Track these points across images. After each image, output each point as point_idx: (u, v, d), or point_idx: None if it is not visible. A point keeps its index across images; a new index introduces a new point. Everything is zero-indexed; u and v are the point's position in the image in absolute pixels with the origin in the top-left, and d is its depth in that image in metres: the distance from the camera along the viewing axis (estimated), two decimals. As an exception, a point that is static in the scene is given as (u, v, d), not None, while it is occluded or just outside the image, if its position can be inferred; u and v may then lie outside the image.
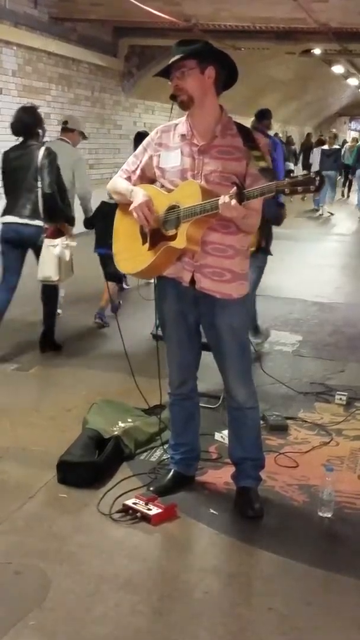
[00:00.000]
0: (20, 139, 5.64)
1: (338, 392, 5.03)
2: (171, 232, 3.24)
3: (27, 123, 5.60)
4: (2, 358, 5.67)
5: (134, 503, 3.42)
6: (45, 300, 5.89)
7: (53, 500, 3.54)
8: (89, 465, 3.72)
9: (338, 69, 19.27)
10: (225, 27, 11.67)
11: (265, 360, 5.68)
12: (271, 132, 9.46)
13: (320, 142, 19.82)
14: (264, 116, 9.41)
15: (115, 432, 4.04)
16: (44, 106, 11.31)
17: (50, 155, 5.51)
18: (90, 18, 11.51)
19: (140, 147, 3.47)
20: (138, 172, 3.45)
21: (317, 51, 14.68)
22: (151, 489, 3.60)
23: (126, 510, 3.40)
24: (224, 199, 3.01)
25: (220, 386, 4.33)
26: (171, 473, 3.68)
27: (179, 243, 3.20)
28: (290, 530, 3.38)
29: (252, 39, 12.73)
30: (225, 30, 11.89)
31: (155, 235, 3.32)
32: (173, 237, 3.23)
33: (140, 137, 6.64)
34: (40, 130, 5.66)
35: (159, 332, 4.09)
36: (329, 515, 3.47)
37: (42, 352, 5.82)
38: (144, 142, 3.46)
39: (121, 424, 4.18)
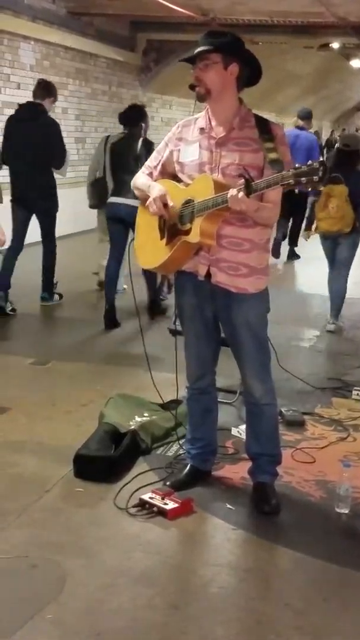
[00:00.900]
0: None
1: (355, 388, 5.01)
2: (186, 227, 3.24)
3: (131, 117, 6.68)
4: (18, 352, 5.69)
5: (151, 497, 3.42)
6: (147, 274, 6.54)
7: (69, 494, 3.55)
8: (105, 460, 3.73)
9: (356, 63, 19.13)
10: (243, 21, 11.64)
11: (282, 355, 5.66)
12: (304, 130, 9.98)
13: None
14: (307, 116, 9.87)
15: (132, 427, 4.04)
16: (62, 101, 11.33)
17: (147, 144, 6.34)
18: (108, 12, 11.50)
19: (162, 143, 3.47)
20: (159, 167, 3.45)
21: (335, 45, 14.58)
22: (167, 483, 3.60)
23: (142, 504, 3.40)
24: (232, 192, 2.99)
25: (237, 381, 4.33)
26: (187, 468, 3.68)
27: (193, 237, 3.19)
28: (307, 526, 3.37)
29: (269, 33, 12.69)
30: (243, 25, 11.85)
31: (172, 230, 3.32)
32: (188, 232, 3.23)
33: None
34: (143, 124, 6.68)
35: (177, 327, 4.09)
36: (346, 511, 3.45)
37: (151, 319, 6.64)
38: (166, 137, 3.45)
39: (138, 419, 4.18)
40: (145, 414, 4.27)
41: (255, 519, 3.41)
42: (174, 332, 4.88)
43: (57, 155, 6.97)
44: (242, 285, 3.29)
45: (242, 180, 2.97)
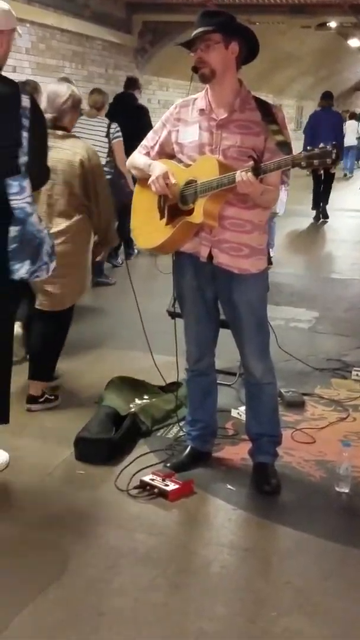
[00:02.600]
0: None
1: (354, 368, 5.02)
2: (188, 207, 3.23)
3: None
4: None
5: (151, 479, 3.43)
6: None
7: (70, 477, 3.57)
8: (105, 442, 3.74)
9: (354, 42, 19.01)
10: (240, 1, 11.54)
11: (282, 337, 5.67)
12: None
13: (353, 116, 21.26)
14: (330, 96, 12.22)
15: (132, 409, 4.05)
16: (58, 84, 11.29)
17: None
18: (103, -6, 11.42)
19: (159, 123, 3.46)
20: (157, 147, 3.44)
21: (332, 24, 14.48)
22: (168, 465, 3.62)
23: (143, 486, 3.41)
24: (240, 175, 2.99)
25: (236, 363, 4.34)
26: (188, 449, 3.69)
27: (196, 218, 3.19)
28: (307, 506, 3.39)
29: (266, 13, 12.60)
30: (239, 5, 11.75)
31: (172, 210, 3.31)
32: (190, 212, 3.22)
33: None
34: None
35: (176, 309, 4.08)
36: (346, 491, 3.47)
37: None
38: (163, 118, 3.44)
39: (138, 401, 4.20)
40: (145, 397, 4.29)
41: (256, 499, 3.42)
42: (173, 315, 4.89)
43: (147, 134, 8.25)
44: (244, 265, 3.30)
45: (251, 162, 2.97)
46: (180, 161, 3.35)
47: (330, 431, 4.14)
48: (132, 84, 8.88)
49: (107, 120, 7.15)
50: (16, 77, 10.13)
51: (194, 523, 3.26)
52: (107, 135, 7.03)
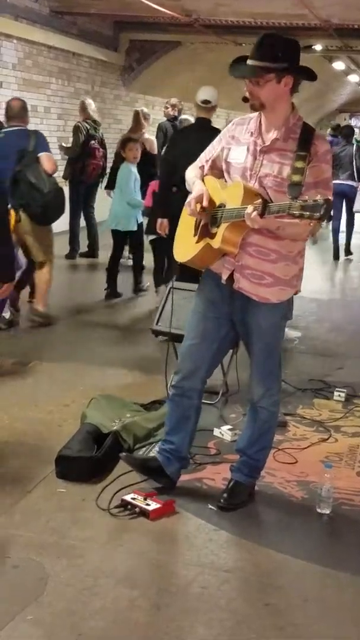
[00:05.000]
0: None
1: (337, 389, 5.03)
2: (214, 230, 3.24)
3: None
4: (0, 352, 5.66)
5: (133, 498, 3.42)
6: None
7: (51, 495, 3.54)
8: (87, 460, 3.72)
9: (339, 65, 19.20)
10: (226, 22, 11.64)
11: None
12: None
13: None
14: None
15: (114, 427, 4.03)
16: (44, 100, 11.31)
17: None
18: (91, 12, 11.47)
19: (218, 137, 3.42)
20: (210, 162, 3.40)
21: (318, 47, 14.62)
22: (123, 455, 3.64)
23: (124, 505, 3.40)
24: (249, 209, 2.95)
25: (219, 381, 4.34)
26: (153, 457, 3.65)
27: (215, 242, 3.20)
28: (288, 527, 3.39)
29: (252, 35, 12.64)
30: (226, 26, 11.86)
31: (203, 230, 3.32)
32: (214, 235, 3.23)
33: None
34: None
35: (159, 327, 4.07)
36: (327, 512, 3.47)
37: None
38: (222, 133, 3.41)
39: (120, 419, 4.18)
40: (128, 415, 4.27)
41: (237, 519, 3.41)
42: (156, 333, 4.91)
43: None
44: (264, 294, 3.25)
45: (260, 200, 2.94)
46: (226, 180, 3.32)
47: (312, 452, 4.14)
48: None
49: None
50: (2, 92, 10.22)
51: (175, 543, 3.24)
52: None
